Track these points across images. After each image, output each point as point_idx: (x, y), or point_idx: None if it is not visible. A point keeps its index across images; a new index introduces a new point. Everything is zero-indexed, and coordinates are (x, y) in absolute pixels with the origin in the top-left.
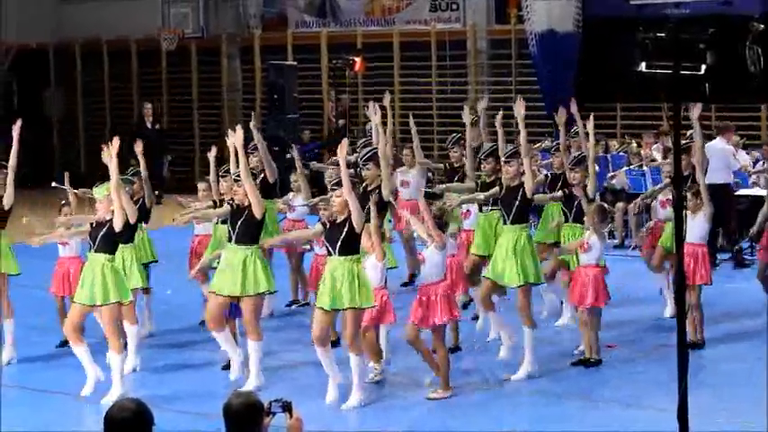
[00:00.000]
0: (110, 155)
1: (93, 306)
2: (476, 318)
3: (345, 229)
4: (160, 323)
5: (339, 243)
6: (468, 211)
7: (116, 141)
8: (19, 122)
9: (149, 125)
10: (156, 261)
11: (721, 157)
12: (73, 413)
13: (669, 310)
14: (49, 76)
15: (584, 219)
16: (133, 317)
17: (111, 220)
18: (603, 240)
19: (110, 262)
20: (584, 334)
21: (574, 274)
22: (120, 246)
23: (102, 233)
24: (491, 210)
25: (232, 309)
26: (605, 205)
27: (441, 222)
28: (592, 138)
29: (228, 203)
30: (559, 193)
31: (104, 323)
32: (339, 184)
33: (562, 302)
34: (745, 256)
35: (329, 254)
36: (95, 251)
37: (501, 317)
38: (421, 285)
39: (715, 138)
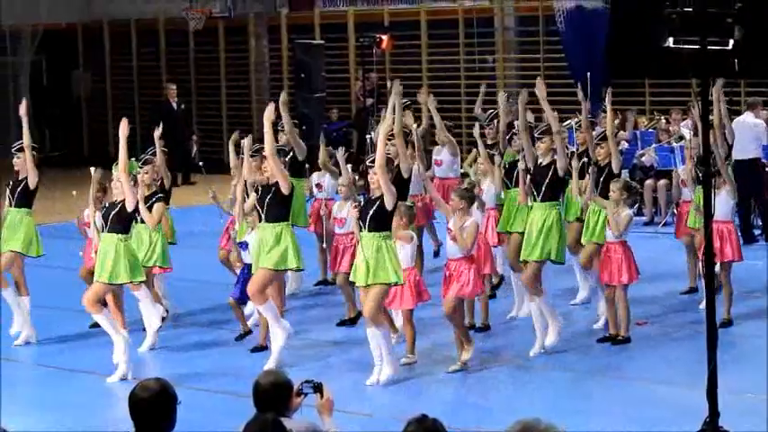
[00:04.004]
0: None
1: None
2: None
3: (376, 206)
4: (185, 302)
5: (368, 218)
6: (480, 188)
7: (124, 123)
8: (24, 102)
9: (174, 105)
10: (175, 243)
11: (751, 133)
12: (100, 392)
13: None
14: (77, 56)
15: (610, 195)
16: (154, 296)
17: (123, 200)
18: (629, 216)
19: (122, 242)
20: (611, 311)
21: (603, 252)
22: (146, 225)
23: (113, 213)
24: (516, 190)
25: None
26: (631, 181)
27: (471, 196)
28: (609, 112)
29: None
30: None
31: (109, 301)
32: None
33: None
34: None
35: (360, 230)
36: (108, 231)
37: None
38: (449, 260)
39: (743, 113)
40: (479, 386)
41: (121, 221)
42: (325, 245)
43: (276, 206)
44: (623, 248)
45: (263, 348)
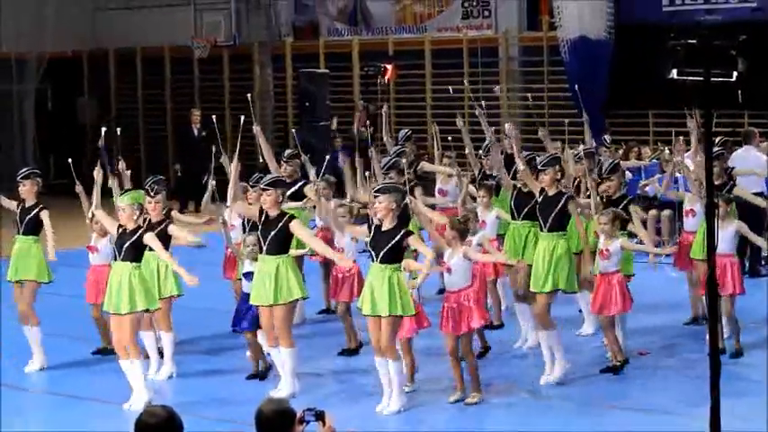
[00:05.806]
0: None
1: (120, 314)
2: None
3: (395, 241)
4: (189, 329)
5: (383, 252)
6: (483, 221)
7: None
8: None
9: (196, 132)
10: None
11: (752, 166)
12: (104, 419)
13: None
14: (83, 83)
15: (600, 227)
16: (168, 324)
17: (137, 228)
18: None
19: (136, 270)
20: (610, 341)
21: (596, 283)
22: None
23: (129, 242)
24: (522, 222)
25: (254, 320)
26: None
27: (465, 228)
28: (571, 163)
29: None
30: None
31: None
32: (380, 191)
33: (581, 311)
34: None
35: (372, 260)
36: (122, 259)
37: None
38: (447, 293)
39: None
40: (481, 415)
41: (137, 251)
42: None
43: (279, 240)
44: (616, 278)
45: (257, 376)
